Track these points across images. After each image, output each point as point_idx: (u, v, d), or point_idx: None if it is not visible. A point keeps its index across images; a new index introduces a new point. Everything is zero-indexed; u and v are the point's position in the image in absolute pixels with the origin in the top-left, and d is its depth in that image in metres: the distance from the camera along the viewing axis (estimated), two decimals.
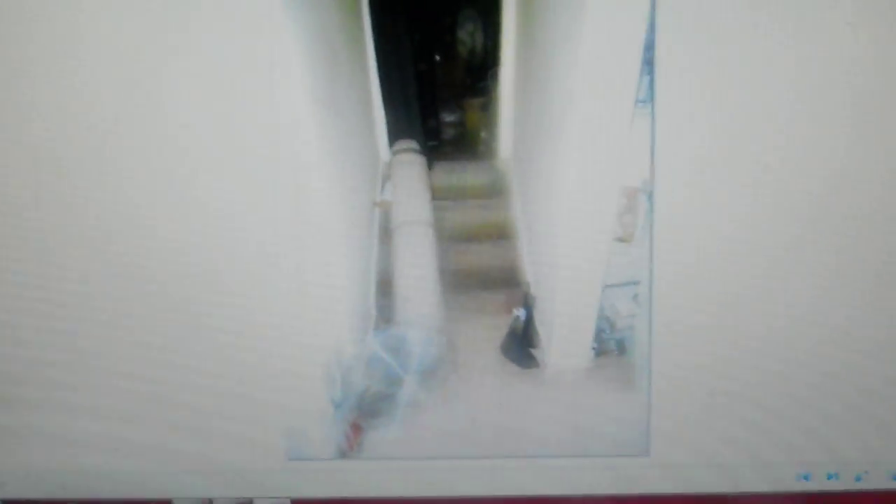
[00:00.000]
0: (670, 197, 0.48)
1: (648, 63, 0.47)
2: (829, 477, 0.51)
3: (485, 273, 0.50)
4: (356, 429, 0.51)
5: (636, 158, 0.48)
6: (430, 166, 0.50)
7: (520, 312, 0.50)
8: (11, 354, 0.51)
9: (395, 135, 0.50)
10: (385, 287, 0.50)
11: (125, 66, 0.47)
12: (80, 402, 0.51)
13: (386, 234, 0.50)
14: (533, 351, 0.51)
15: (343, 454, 0.52)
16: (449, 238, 0.50)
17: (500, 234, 0.50)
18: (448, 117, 0.49)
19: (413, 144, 0.50)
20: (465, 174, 0.50)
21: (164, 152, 0.48)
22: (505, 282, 0.50)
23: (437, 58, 0.49)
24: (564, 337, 0.51)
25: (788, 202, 0.48)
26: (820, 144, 0.48)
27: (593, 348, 0.51)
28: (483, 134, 0.49)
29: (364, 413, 0.51)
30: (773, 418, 0.51)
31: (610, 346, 0.50)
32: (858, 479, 0.51)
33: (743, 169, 0.48)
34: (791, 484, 0.52)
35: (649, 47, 0.47)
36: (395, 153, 0.50)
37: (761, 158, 0.48)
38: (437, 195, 0.50)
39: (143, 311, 0.50)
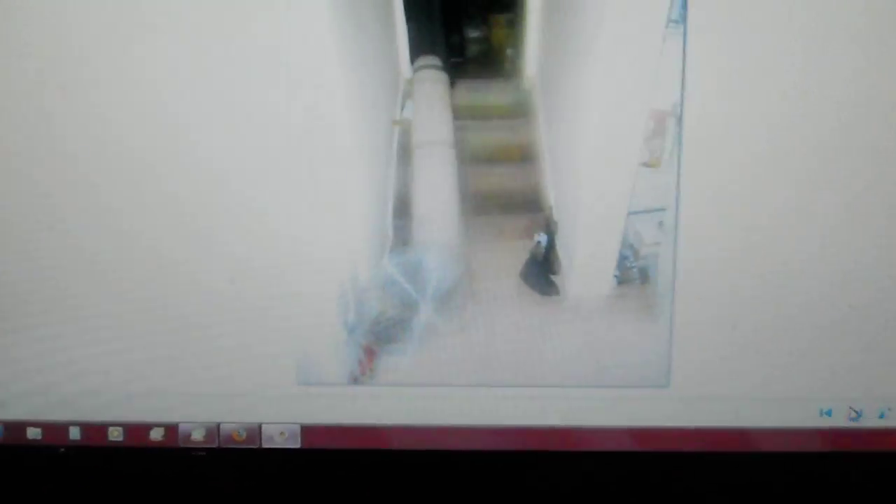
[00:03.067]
0: (700, 121, 0.52)
1: None
2: (851, 413, 0.57)
3: (506, 196, 0.54)
4: (370, 353, 0.56)
5: (666, 81, 0.52)
6: (452, 84, 0.53)
7: (541, 238, 0.54)
8: (15, 270, 0.55)
9: (417, 50, 0.53)
10: (403, 209, 0.54)
11: None
12: (84, 323, 0.55)
13: (405, 153, 0.54)
14: (553, 278, 0.55)
15: (355, 379, 0.56)
16: (470, 159, 0.54)
17: (523, 156, 0.54)
18: (473, 33, 0.52)
19: (435, 61, 0.53)
20: (488, 93, 0.53)
21: (179, 63, 0.52)
22: (526, 206, 0.54)
23: None
24: (586, 264, 0.54)
25: (822, 130, 0.52)
26: (855, 70, 0.51)
27: (615, 276, 0.55)
28: (508, 51, 0.52)
29: (378, 338, 0.56)
30: (797, 353, 0.55)
31: (633, 274, 0.55)
32: (882, 416, 0.56)
33: (776, 94, 0.51)
34: (813, 420, 0.56)
35: None
36: (416, 70, 0.53)
37: (796, 84, 0.51)
38: (459, 114, 0.53)
39: (152, 228, 0.54)
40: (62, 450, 0.57)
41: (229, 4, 0.51)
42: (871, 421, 0.56)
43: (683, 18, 0.51)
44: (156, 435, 0.56)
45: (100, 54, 0.52)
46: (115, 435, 0.56)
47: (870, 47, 0.51)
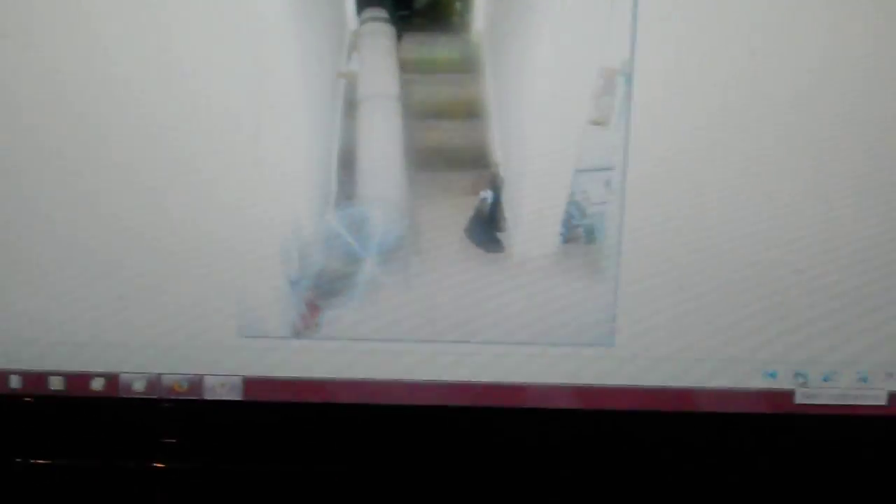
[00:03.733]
0: (650, 80, 0.52)
1: None
2: (797, 376, 0.58)
3: (452, 152, 0.54)
4: (313, 308, 0.57)
5: (616, 38, 0.52)
6: (399, 37, 0.53)
7: (487, 194, 0.55)
8: None
9: (363, 2, 0.53)
10: (347, 162, 0.54)
11: None
12: (22, 270, 0.56)
13: (350, 106, 0.54)
14: (499, 235, 0.56)
15: (298, 333, 0.57)
16: (416, 113, 0.54)
17: (471, 111, 0.54)
18: None
19: (382, 13, 0.53)
20: (435, 47, 0.53)
21: (120, 16, 0.52)
22: (473, 162, 0.55)
23: None
24: (531, 221, 0.55)
25: (773, 93, 0.52)
26: (809, 35, 0.52)
27: (561, 234, 0.55)
28: (457, 4, 0.53)
29: (321, 292, 0.56)
30: (742, 314, 0.56)
31: (578, 233, 0.55)
32: (826, 379, 0.57)
33: (728, 55, 0.52)
34: (757, 381, 0.57)
35: None
36: (362, 22, 0.54)
37: (748, 44, 0.51)
38: (406, 68, 0.54)
39: (93, 180, 0.54)
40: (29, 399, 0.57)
41: None
42: (815, 384, 0.57)
43: None
44: (97, 385, 0.57)
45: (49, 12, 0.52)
46: (56, 384, 0.56)
47: (829, 7, 0.51)
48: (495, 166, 0.54)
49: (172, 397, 0.57)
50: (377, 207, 0.54)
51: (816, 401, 0.57)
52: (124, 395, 0.57)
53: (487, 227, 0.55)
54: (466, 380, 0.57)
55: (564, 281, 0.56)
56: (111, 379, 0.57)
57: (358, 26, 0.53)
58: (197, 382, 0.57)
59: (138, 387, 0.57)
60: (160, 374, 0.57)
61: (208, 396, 0.57)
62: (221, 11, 0.52)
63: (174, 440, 0.58)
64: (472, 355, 0.57)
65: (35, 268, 0.56)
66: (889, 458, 0.57)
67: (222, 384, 0.57)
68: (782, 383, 0.57)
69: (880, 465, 0.57)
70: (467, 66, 0.54)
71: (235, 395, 0.57)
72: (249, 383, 0.57)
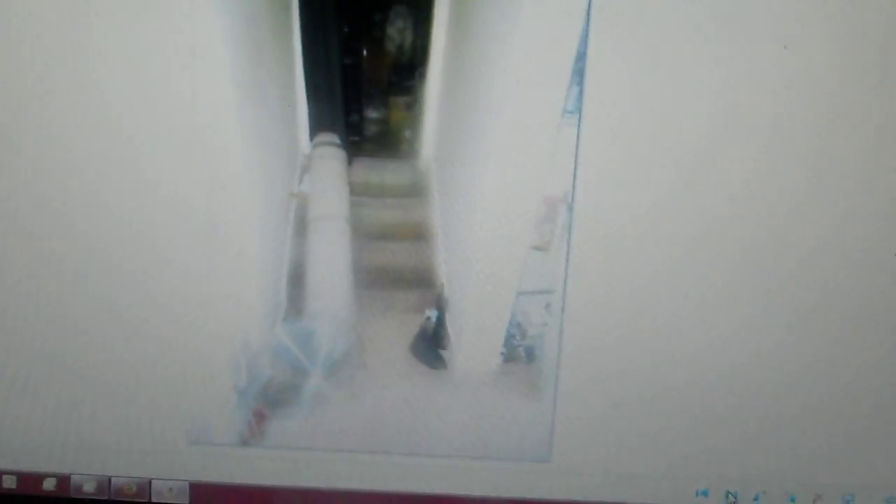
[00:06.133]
0: (590, 209, 0.55)
1: (579, 73, 0.53)
2: (728, 495, 0.61)
3: (399, 272, 0.57)
4: (259, 417, 0.60)
5: (559, 168, 0.55)
6: (350, 162, 0.56)
7: (431, 313, 0.58)
8: None
9: (316, 127, 0.56)
10: (297, 278, 0.58)
11: (44, 42, 0.54)
12: None
13: (301, 225, 0.58)
14: (442, 352, 0.59)
15: (245, 441, 0.60)
16: (365, 235, 0.57)
17: (417, 233, 0.57)
18: (372, 113, 0.56)
19: (334, 138, 0.56)
20: (385, 172, 0.57)
21: (78, 131, 0.55)
22: (418, 282, 0.58)
23: (365, 52, 0.55)
24: (474, 341, 0.58)
25: (708, 221, 0.55)
26: (745, 165, 0.54)
27: (502, 353, 0.58)
28: (406, 133, 0.56)
29: (268, 402, 0.59)
30: (676, 433, 0.59)
31: (519, 352, 0.58)
32: (756, 499, 0.60)
33: (666, 186, 0.55)
34: (689, 499, 0.60)
35: (581, 58, 0.54)
36: (315, 146, 0.57)
37: (685, 176, 0.55)
38: (356, 191, 0.57)
39: (48, 286, 0.57)
40: None
41: (135, 73, 0.54)
42: (745, 503, 0.59)
43: (579, 109, 0.54)
44: (48, 485, 0.59)
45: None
46: (9, 482, 0.59)
47: (765, 144, 0.54)
48: (440, 287, 0.57)
49: (122, 499, 0.59)
50: (325, 323, 0.57)
51: None
52: (75, 496, 0.60)
53: (431, 345, 0.58)
54: (408, 490, 0.60)
55: (505, 398, 0.59)
56: (63, 480, 0.60)
57: (310, 150, 0.56)
58: (145, 486, 0.59)
59: (89, 488, 0.60)
60: (110, 476, 0.59)
61: (156, 500, 0.59)
62: (177, 130, 0.55)
63: None
64: (413, 467, 0.60)
65: None
66: None
67: (170, 489, 0.59)
68: (714, 502, 0.59)
69: None
70: (415, 191, 0.56)
71: (183, 500, 0.59)
72: (196, 488, 0.59)
